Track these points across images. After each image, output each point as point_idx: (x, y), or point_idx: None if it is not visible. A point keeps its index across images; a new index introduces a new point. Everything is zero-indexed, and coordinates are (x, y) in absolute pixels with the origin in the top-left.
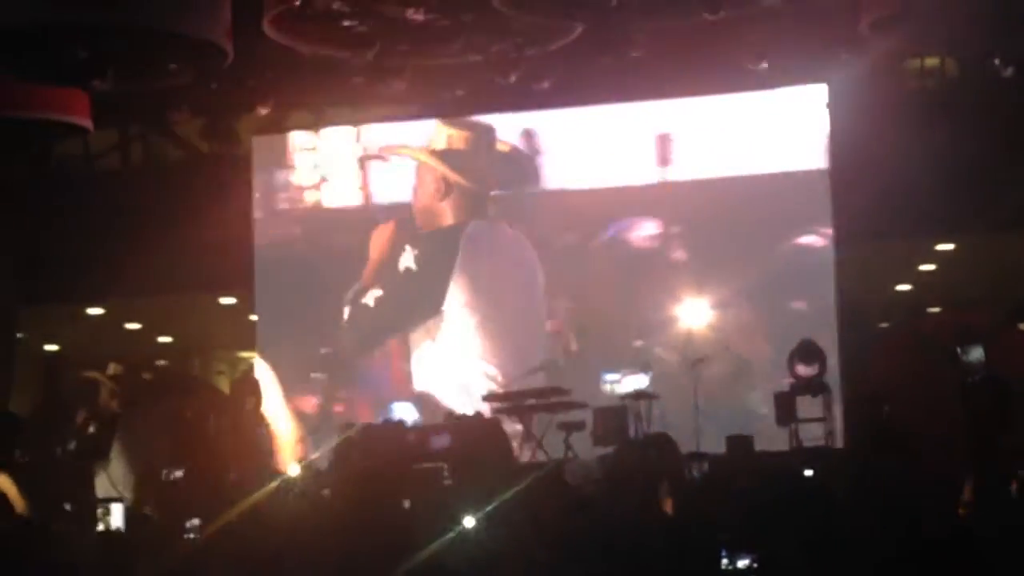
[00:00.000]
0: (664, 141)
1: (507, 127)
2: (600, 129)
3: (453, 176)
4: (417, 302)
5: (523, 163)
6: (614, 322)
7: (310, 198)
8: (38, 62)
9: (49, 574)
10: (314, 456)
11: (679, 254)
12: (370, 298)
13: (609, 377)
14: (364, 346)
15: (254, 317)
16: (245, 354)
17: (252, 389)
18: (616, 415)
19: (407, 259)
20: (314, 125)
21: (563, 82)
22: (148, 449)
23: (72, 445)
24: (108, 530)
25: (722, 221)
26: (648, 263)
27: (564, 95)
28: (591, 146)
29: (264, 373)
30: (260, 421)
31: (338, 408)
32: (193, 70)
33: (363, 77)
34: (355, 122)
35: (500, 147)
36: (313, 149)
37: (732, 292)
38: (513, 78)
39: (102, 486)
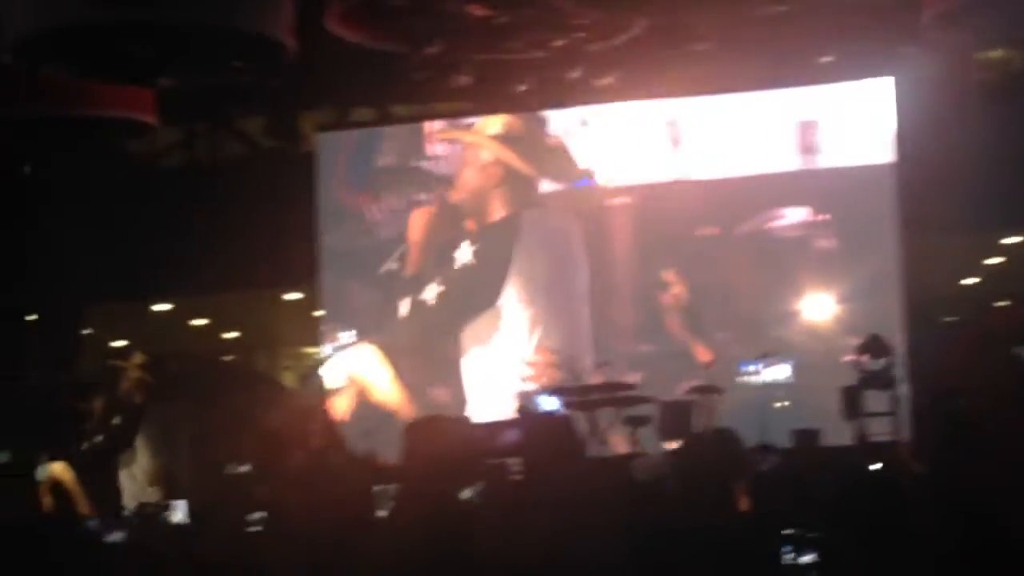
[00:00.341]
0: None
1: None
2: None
3: (515, 162)
4: (475, 296)
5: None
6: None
7: None
8: (104, 61)
9: (107, 568)
10: (372, 449)
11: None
12: (430, 294)
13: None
14: (424, 341)
15: (319, 313)
16: (310, 350)
17: (318, 385)
18: (682, 410)
19: (464, 254)
20: (377, 121)
21: (627, 77)
22: (214, 444)
23: (99, 438)
24: (174, 524)
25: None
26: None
27: (628, 90)
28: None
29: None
30: (326, 416)
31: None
32: (257, 67)
33: (426, 73)
34: (418, 118)
35: (552, 140)
36: None
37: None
38: (576, 73)
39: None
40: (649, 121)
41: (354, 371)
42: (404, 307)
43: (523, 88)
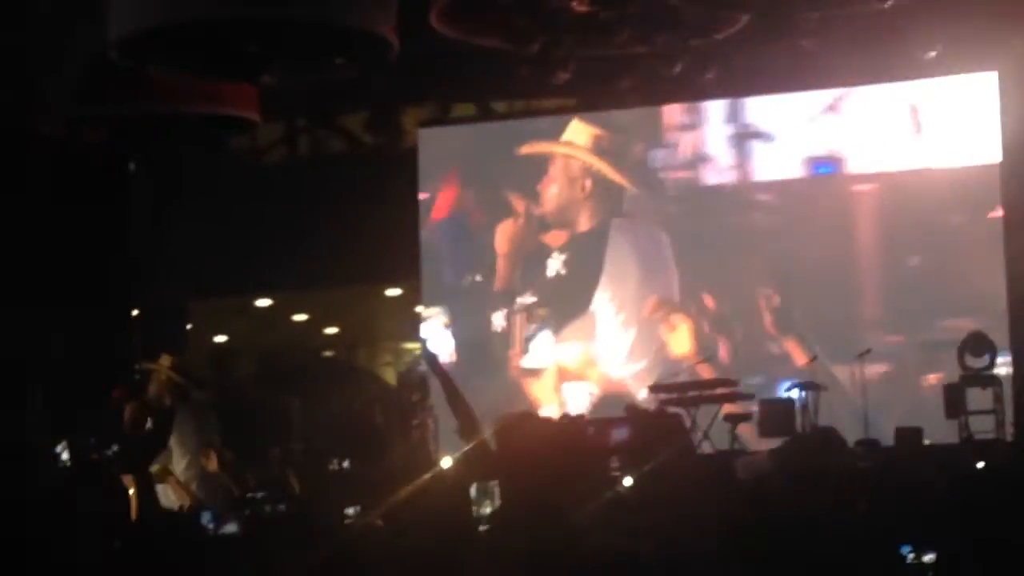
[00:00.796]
0: None
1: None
2: None
3: (607, 172)
4: (568, 304)
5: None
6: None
7: None
8: (208, 58)
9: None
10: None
11: None
12: (523, 304)
13: None
14: (523, 348)
15: (420, 308)
16: (410, 345)
17: (419, 381)
18: (783, 407)
19: (556, 264)
20: (478, 117)
21: (729, 72)
22: (319, 438)
23: (125, 444)
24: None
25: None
26: None
27: (729, 85)
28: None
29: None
30: (427, 413)
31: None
32: (361, 63)
33: (528, 69)
34: (519, 114)
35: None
36: None
37: (901, 283)
38: (678, 68)
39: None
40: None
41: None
42: (497, 318)
43: (624, 84)
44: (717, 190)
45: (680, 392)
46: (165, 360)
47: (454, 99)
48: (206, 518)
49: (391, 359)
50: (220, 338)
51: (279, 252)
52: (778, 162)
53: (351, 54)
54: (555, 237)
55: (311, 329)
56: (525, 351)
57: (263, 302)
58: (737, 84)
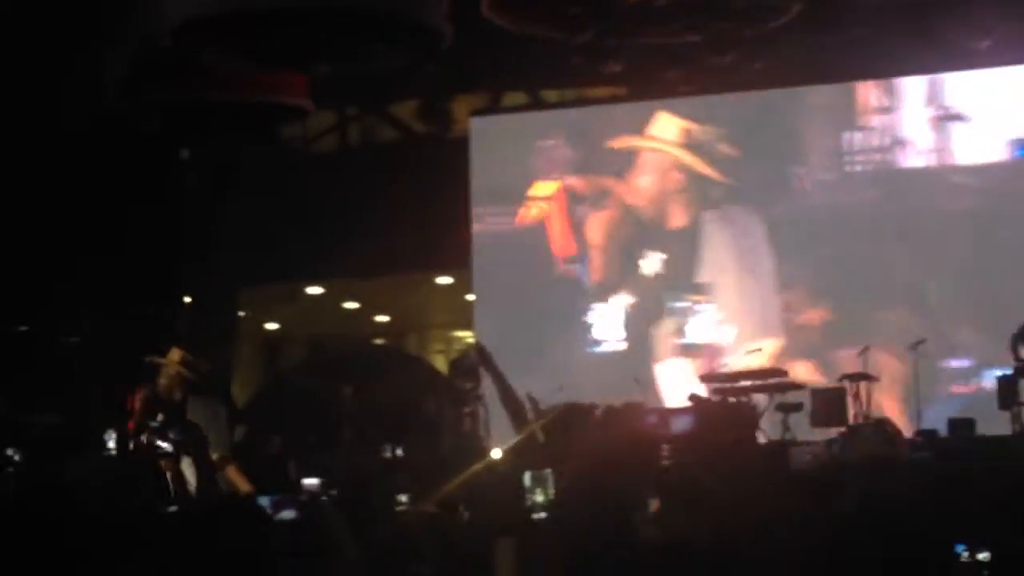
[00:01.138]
0: None
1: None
2: None
3: (698, 166)
4: (664, 300)
5: None
6: None
7: None
8: (261, 47)
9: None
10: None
11: None
12: (621, 303)
13: None
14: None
15: (471, 297)
16: (461, 334)
17: (470, 369)
18: (835, 397)
19: (652, 263)
20: (529, 106)
21: (779, 62)
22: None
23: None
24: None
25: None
26: None
27: (777, 75)
28: None
29: None
30: (478, 402)
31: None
32: (412, 52)
33: (580, 58)
34: (571, 103)
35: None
36: None
37: (950, 274)
38: (729, 58)
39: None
40: None
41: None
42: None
43: (674, 74)
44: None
45: (732, 381)
46: (175, 354)
47: (505, 88)
48: (265, 503)
49: (443, 347)
50: (271, 325)
51: (329, 240)
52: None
53: (404, 43)
54: (651, 230)
55: (361, 317)
56: (621, 336)
57: (314, 290)
58: (788, 73)
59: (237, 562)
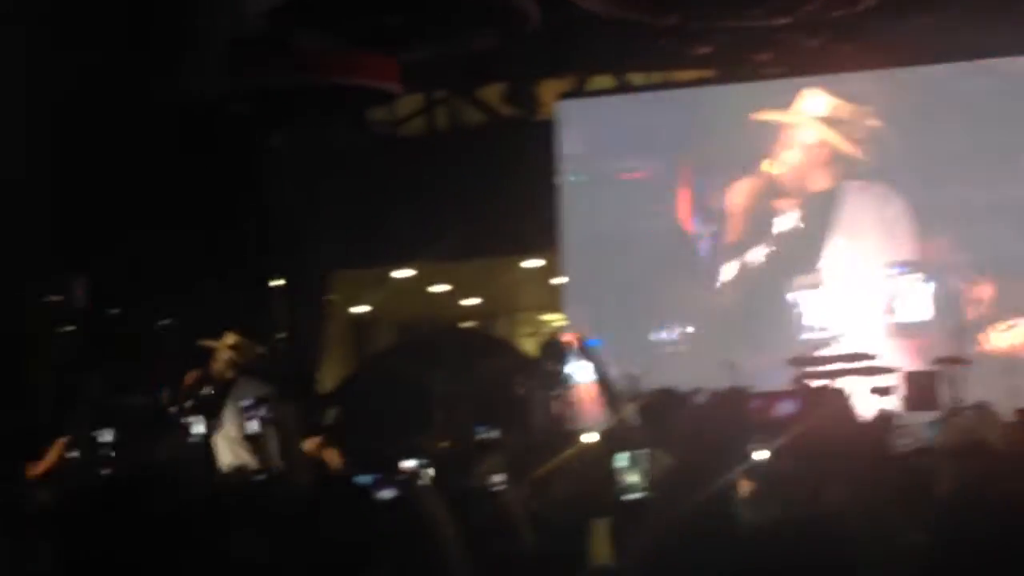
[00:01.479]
0: None
1: None
2: None
3: (840, 144)
4: (798, 260)
5: None
6: None
7: None
8: (354, 29)
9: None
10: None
11: None
12: (758, 254)
13: None
14: (748, 305)
15: (559, 280)
16: (549, 317)
17: (559, 352)
18: (928, 380)
19: (791, 219)
20: (616, 89)
21: (868, 44)
22: (464, 408)
23: (189, 404)
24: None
25: None
26: None
27: (867, 58)
28: None
29: None
30: (567, 384)
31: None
32: (499, 35)
33: (668, 40)
34: (658, 86)
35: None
36: None
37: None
38: (817, 41)
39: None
40: None
41: None
42: (728, 271)
43: (763, 57)
44: None
45: (823, 365)
46: (229, 338)
47: (592, 71)
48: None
49: (532, 330)
50: (360, 309)
51: (418, 223)
52: None
53: (493, 26)
54: (790, 199)
55: (450, 300)
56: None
57: (402, 273)
58: (878, 56)
59: (340, 539)
